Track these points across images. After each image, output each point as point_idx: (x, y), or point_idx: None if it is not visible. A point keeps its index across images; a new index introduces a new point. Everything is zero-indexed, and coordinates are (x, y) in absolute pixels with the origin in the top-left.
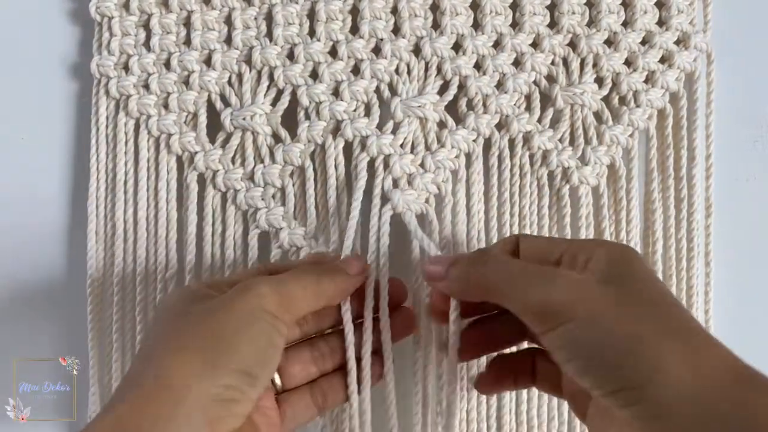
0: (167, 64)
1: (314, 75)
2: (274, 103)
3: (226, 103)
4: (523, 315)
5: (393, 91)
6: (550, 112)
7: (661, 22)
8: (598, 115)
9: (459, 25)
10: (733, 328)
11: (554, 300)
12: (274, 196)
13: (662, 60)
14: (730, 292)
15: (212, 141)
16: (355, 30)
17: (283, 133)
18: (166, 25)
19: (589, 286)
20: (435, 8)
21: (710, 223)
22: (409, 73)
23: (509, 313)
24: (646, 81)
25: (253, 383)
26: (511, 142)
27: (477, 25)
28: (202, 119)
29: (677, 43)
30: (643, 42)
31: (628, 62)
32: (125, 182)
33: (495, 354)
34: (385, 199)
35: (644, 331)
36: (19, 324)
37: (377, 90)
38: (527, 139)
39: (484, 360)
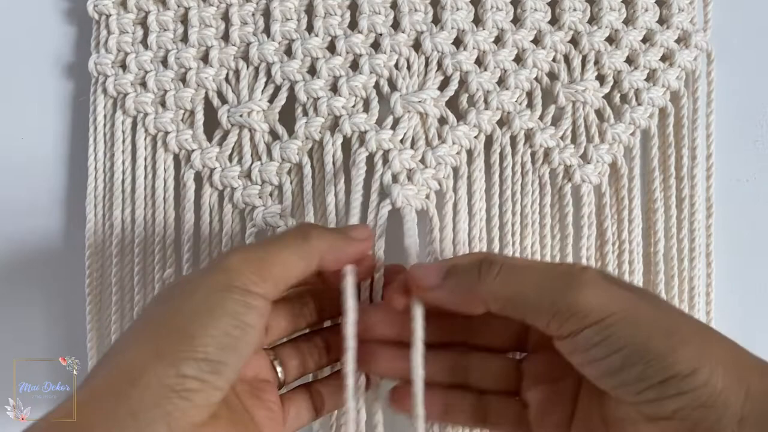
0: (164, 62)
1: (312, 71)
2: (271, 100)
3: (223, 100)
4: (545, 321)
5: (392, 86)
6: (551, 110)
7: (661, 21)
8: (599, 113)
9: (460, 20)
10: (734, 329)
11: (588, 300)
12: (271, 194)
13: (663, 58)
14: (731, 293)
15: (209, 138)
16: (353, 25)
17: (281, 129)
18: (163, 23)
19: (616, 287)
20: (435, 3)
21: (711, 223)
22: (409, 68)
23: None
24: (647, 79)
25: (217, 370)
26: (513, 140)
27: (478, 21)
28: (199, 117)
29: (678, 41)
30: (644, 40)
31: (629, 60)
32: (123, 181)
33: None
34: (383, 194)
35: (684, 326)
36: (19, 324)
37: (376, 85)
38: (529, 136)
39: None
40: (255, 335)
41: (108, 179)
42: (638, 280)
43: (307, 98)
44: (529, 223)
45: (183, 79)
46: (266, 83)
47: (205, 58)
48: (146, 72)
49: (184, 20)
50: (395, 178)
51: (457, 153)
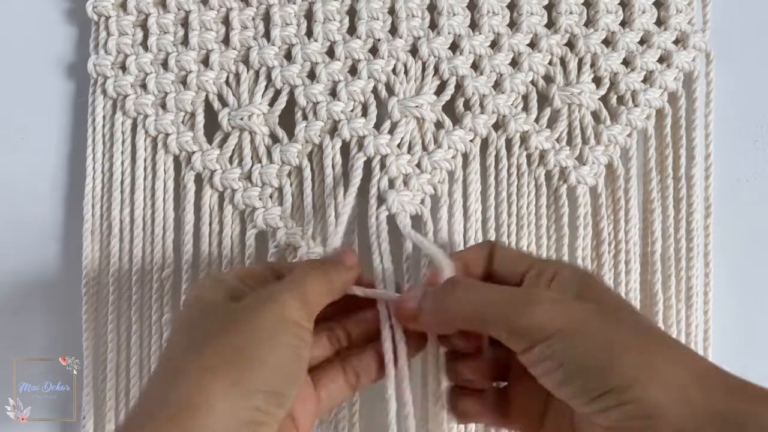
0: (165, 64)
1: (311, 75)
2: (271, 103)
3: (224, 103)
4: (504, 336)
5: (390, 91)
6: (547, 112)
7: (659, 22)
8: (596, 115)
9: (456, 25)
10: (732, 329)
11: (537, 319)
12: (271, 196)
13: (661, 60)
14: (730, 293)
15: (210, 141)
16: (352, 30)
17: (281, 133)
18: (163, 25)
19: (568, 302)
20: (432, 8)
21: (709, 224)
22: (406, 73)
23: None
24: (644, 81)
25: (281, 403)
26: (509, 142)
27: (474, 25)
28: (200, 119)
29: (676, 42)
30: (642, 42)
31: (626, 62)
32: (122, 182)
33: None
34: (381, 199)
35: (627, 337)
36: (19, 324)
37: (374, 90)
38: (524, 139)
39: None
40: (305, 368)
41: (107, 180)
42: (635, 280)
43: (307, 102)
44: (525, 224)
45: (183, 82)
46: (266, 87)
47: (205, 61)
48: (146, 74)
49: (185, 23)
50: (392, 184)
51: (453, 157)
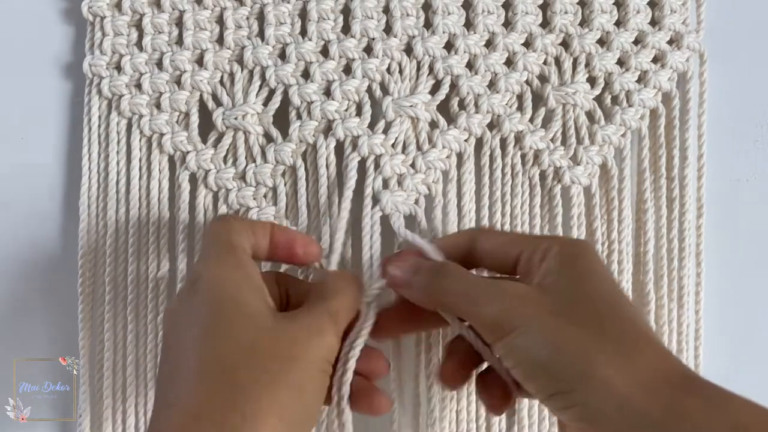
0: (159, 64)
1: (306, 74)
2: (265, 103)
3: (218, 102)
4: (477, 328)
5: (384, 90)
6: (542, 112)
7: (653, 22)
8: (590, 115)
9: (451, 25)
10: (723, 329)
11: (501, 313)
12: (265, 196)
13: (655, 60)
14: (722, 293)
15: (204, 141)
16: (346, 29)
17: (275, 132)
18: (158, 25)
19: (530, 297)
20: (427, 7)
21: (701, 224)
22: (400, 72)
23: None
24: (638, 81)
25: (312, 424)
26: (503, 142)
27: (469, 25)
28: (194, 119)
29: (670, 42)
30: (636, 42)
31: (620, 62)
32: (117, 182)
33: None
34: (375, 199)
35: (578, 336)
36: (19, 324)
37: (369, 89)
38: (519, 138)
39: None
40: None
41: (102, 180)
42: (627, 280)
43: (301, 102)
44: (519, 224)
45: (178, 82)
46: (260, 86)
47: (199, 61)
48: (141, 74)
49: (179, 23)
50: (386, 184)
51: (447, 157)
